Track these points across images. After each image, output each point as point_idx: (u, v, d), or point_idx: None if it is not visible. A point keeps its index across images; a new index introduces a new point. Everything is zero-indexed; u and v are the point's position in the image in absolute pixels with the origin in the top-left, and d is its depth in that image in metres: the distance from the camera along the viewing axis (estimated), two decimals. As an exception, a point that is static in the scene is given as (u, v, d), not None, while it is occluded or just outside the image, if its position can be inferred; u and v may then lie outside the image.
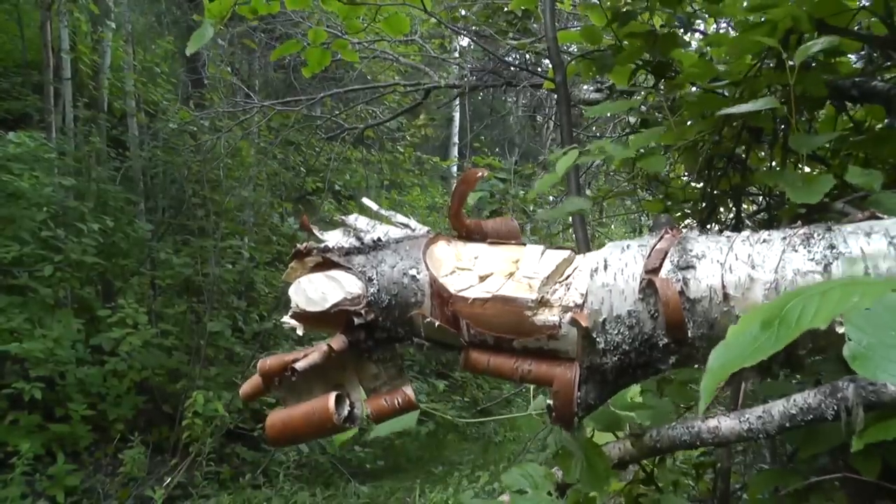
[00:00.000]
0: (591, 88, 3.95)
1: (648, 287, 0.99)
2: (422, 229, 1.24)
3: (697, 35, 2.89)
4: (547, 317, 1.06)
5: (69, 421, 6.32)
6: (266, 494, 6.64)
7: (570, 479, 1.47)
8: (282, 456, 7.22)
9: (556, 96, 2.63)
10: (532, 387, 1.97)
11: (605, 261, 1.05)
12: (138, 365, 6.98)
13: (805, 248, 0.92)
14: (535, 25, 5.58)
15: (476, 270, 1.16)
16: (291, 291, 1.18)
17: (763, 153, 2.45)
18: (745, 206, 2.72)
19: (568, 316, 1.04)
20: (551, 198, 7.32)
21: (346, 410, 1.15)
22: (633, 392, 1.76)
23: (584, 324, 1.01)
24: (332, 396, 1.13)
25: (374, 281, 1.16)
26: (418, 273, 1.14)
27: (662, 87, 2.42)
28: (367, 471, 7.95)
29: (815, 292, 0.65)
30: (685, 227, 1.07)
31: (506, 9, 5.43)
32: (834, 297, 0.63)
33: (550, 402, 1.07)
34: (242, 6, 2.62)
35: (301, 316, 1.17)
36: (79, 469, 6.24)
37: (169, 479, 6.30)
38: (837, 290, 0.64)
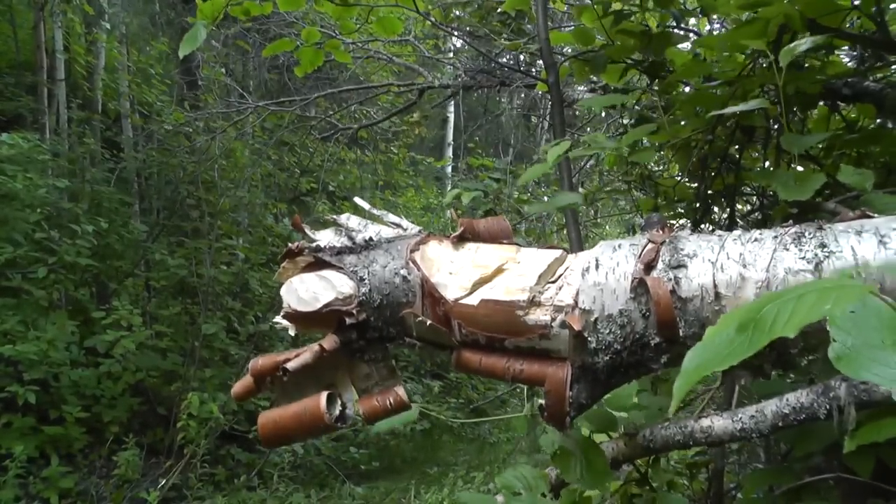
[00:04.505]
0: (585, 89, 3.94)
1: (640, 286, 0.99)
2: (413, 229, 1.24)
3: (691, 35, 2.89)
4: (538, 316, 1.05)
5: (63, 423, 6.29)
6: (261, 496, 6.63)
7: (569, 479, 1.46)
8: (276, 457, 7.21)
9: (549, 97, 2.63)
10: (526, 387, 1.97)
11: (597, 260, 1.05)
12: (133, 367, 6.96)
13: (796, 246, 0.92)
14: (528, 26, 5.57)
15: (468, 270, 1.16)
16: (283, 291, 1.18)
17: (757, 153, 2.45)
18: (738, 206, 2.72)
19: (560, 316, 1.04)
20: (545, 198, 7.32)
21: (337, 410, 1.15)
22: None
23: (576, 327, 1.01)
24: (324, 396, 1.12)
25: (366, 281, 1.16)
26: (409, 273, 1.14)
27: (656, 86, 2.42)
28: (362, 472, 7.94)
29: (791, 296, 0.65)
30: (677, 226, 1.07)
31: (499, 10, 5.42)
32: (808, 302, 0.63)
33: (542, 401, 1.07)
34: (235, 7, 2.61)
35: (293, 316, 1.17)
36: (73, 471, 6.21)
37: (163, 481, 6.28)
38: (812, 296, 0.63)
